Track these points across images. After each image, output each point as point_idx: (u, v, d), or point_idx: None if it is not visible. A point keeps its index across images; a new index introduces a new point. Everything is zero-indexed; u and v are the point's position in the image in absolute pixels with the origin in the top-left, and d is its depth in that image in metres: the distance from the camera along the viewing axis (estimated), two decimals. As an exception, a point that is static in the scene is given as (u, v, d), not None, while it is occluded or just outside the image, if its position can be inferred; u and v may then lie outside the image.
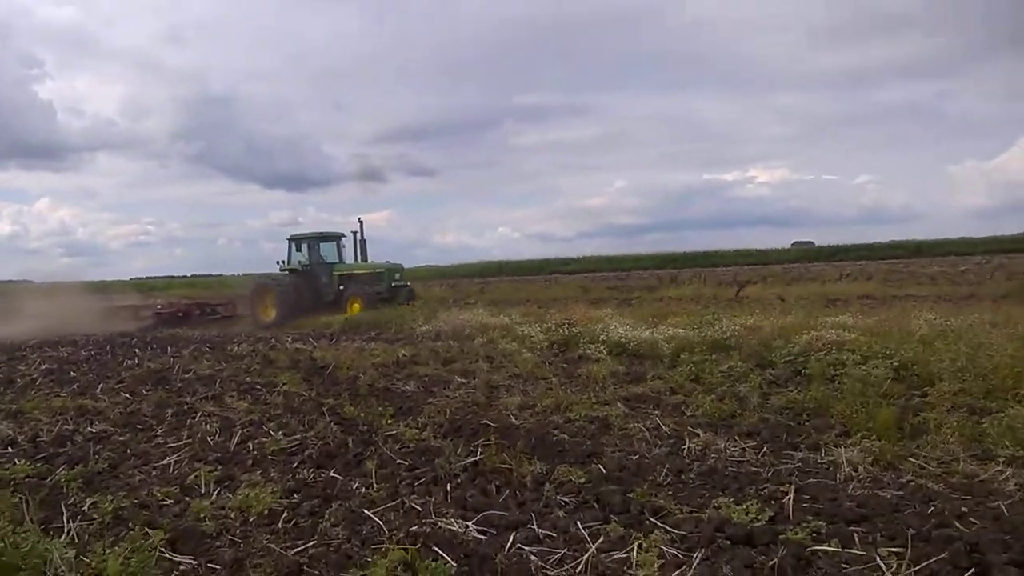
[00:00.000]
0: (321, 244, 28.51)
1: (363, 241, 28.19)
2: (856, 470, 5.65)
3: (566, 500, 5.22)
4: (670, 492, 5.30)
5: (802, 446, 6.38)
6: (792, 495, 4.99)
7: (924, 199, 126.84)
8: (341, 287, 27.02)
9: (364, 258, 27.97)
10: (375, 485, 5.59)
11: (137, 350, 16.64)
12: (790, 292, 29.77)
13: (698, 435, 6.81)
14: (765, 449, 6.33)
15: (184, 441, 7.34)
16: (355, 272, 27.39)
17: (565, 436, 6.99)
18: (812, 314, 14.57)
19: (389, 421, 8.16)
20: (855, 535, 4.24)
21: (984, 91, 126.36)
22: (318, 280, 27.53)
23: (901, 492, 5.14)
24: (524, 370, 11.44)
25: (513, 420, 7.85)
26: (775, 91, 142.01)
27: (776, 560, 3.89)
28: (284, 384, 11.04)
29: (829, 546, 4.07)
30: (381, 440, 7.24)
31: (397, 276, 27.79)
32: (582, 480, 5.57)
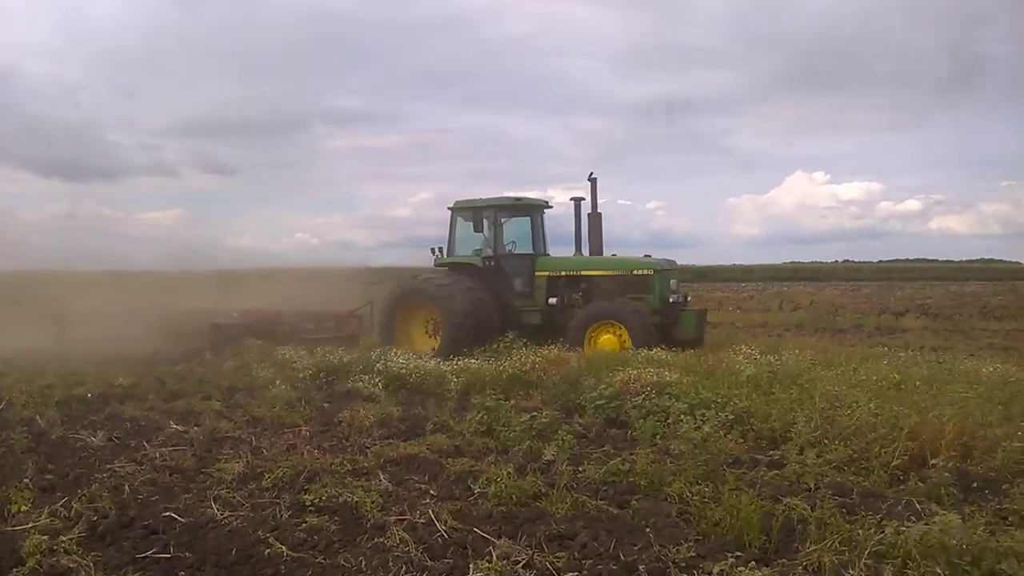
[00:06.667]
0: (512, 217, 15.59)
1: (598, 214, 15.15)
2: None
3: None
4: None
5: (640, 567, 4.25)
6: None
7: (706, 227, 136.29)
8: (552, 299, 14.39)
9: (598, 249, 15.04)
10: None
11: None
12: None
13: (490, 543, 4.53)
14: None
15: None
16: (584, 272, 14.61)
17: (284, 548, 4.42)
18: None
19: (25, 507, 5.25)
20: None
21: (761, 129, 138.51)
22: (508, 285, 14.84)
23: None
24: (269, 412, 8.72)
25: (215, 512, 5.18)
26: (578, 114, 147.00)
27: None
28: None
29: None
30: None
31: (672, 285, 14.27)
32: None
